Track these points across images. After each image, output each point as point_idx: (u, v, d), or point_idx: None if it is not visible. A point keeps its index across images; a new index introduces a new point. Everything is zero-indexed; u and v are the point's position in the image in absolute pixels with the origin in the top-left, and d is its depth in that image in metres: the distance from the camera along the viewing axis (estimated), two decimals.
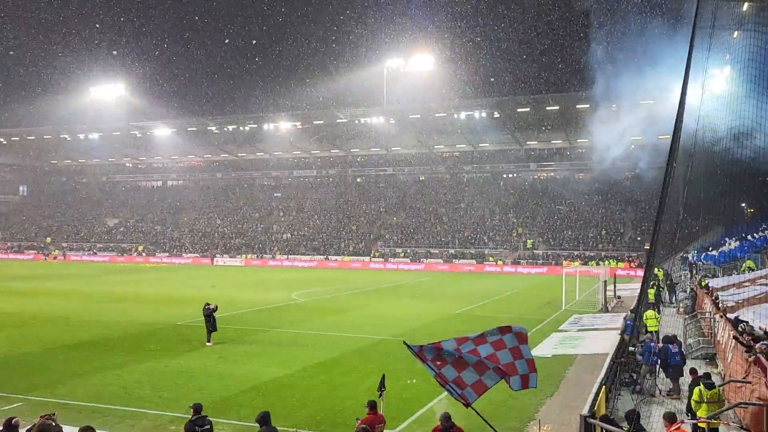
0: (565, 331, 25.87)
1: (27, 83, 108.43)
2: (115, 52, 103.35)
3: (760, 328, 16.12)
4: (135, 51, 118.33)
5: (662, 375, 16.19)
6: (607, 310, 31.74)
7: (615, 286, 37.19)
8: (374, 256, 74.19)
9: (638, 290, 21.25)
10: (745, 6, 26.10)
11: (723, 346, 17.63)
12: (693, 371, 13.82)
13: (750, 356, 12.89)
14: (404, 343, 8.74)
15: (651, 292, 28.08)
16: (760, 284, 23.53)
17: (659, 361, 15.84)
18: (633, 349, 16.81)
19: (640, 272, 48.70)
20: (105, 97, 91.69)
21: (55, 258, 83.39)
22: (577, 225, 74.23)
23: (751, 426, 11.29)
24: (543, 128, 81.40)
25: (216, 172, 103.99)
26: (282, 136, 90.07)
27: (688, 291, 33.93)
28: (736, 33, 24.37)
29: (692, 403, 12.04)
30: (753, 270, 30.82)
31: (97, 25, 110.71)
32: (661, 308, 30.07)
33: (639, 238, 68.08)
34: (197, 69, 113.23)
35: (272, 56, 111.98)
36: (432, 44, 78.75)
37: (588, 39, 55.89)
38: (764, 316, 17.11)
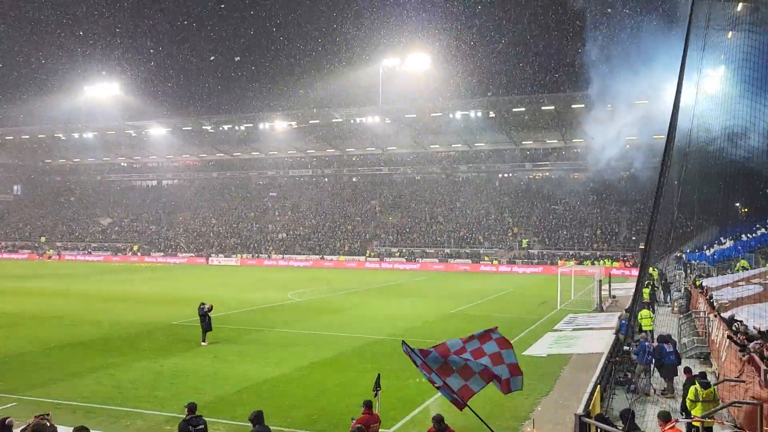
0: (560, 330, 25.92)
1: (21, 82, 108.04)
2: (110, 51, 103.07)
3: (754, 328, 16.17)
4: (130, 50, 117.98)
5: (657, 374, 16.24)
6: (602, 310, 31.80)
7: (610, 286, 37.26)
8: (370, 256, 74.19)
9: (633, 290, 21.29)
10: (740, 6, 26.19)
11: (717, 345, 17.69)
12: (687, 370, 13.87)
13: (744, 355, 12.93)
14: (402, 342, 8.75)
15: (646, 291, 28.18)
16: (755, 283, 23.61)
17: (654, 360, 15.90)
18: (628, 348, 16.87)
19: (635, 272, 48.90)
20: (100, 96, 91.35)
21: (49, 257, 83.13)
22: (572, 225, 74.38)
23: (744, 425, 11.34)
24: (538, 128, 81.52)
25: (211, 172, 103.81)
26: (277, 136, 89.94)
27: (682, 290, 34.05)
28: (730, 33, 24.44)
29: (687, 402, 12.07)
30: (747, 269, 30.90)
31: (92, 24, 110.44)
32: (655, 308, 30.17)
33: (634, 238, 68.26)
34: (193, 68, 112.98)
35: (268, 55, 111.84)
36: (428, 44, 78.85)
37: (583, 39, 55.96)
38: (758, 315, 17.16)
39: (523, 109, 74.21)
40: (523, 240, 72.90)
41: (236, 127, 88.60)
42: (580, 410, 9.68)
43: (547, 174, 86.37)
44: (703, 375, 12.61)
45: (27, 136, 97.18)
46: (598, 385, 12.10)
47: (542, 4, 79.72)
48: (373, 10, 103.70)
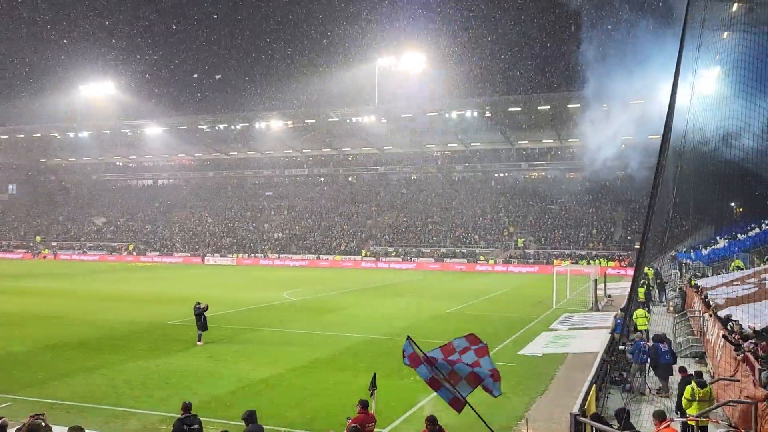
0: (556, 329, 25.95)
1: (16, 81, 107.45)
2: (106, 50, 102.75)
3: (749, 327, 16.22)
4: (126, 49, 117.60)
5: (652, 373, 16.27)
6: (597, 309, 31.87)
7: (605, 285, 37.34)
8: (366, 256, 74.19)
9: (628, 289, 21.35)
10: (735, 6, 26.28)
11: (712, 344, 17.74)
12: (682, 370, 13.90)
13: (739, 355, 12.97)
14: (408, 337, 8.77)
15: (641, 291, 28.25)
16: (749, 283, 23.70)
17: (649, 359, 15.93)
18: (623, 347, 16.89)
19: (630, 271, 48.98)
20: (95, 95, 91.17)
21: (44, 257, 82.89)
22: (567, 224, 74.51)
23: (739, 424, 11.36)
24: (534, 128, 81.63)
25: (207, 171, 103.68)
26: (273, 135, 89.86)
27: (677, 290, 34.13)
28: (725, 33, 24.49)
29: (684, 401, 12.10)
30: (741, 269, 31.01)
31: (88, 23, 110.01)
32: (651, 307, 30.26)
33: (629, 238, 68.42)
34: (188, 68, 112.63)
35: (264, 55, 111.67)
36: (424, 43, 78.82)
37: (579, 39, 56.06)
38: (753, 314, 17.23)
39: (518, 108, 74.33)
40: (519, 239, 73.00)
41: (232, 127, 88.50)
42: (575, 409, 9.69)
43: (543, 174, 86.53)
44: (699, 374, 12.65)
45: (22, 136, 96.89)
46: (594, 385, 12.12)
47: (538, 4, 79.84)
48: (369, 10, 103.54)
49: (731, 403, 11.67)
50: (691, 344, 20.51)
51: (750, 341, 13.60)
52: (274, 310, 31.74)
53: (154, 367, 18.33)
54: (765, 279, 22.36)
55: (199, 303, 22.70)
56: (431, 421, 9.31)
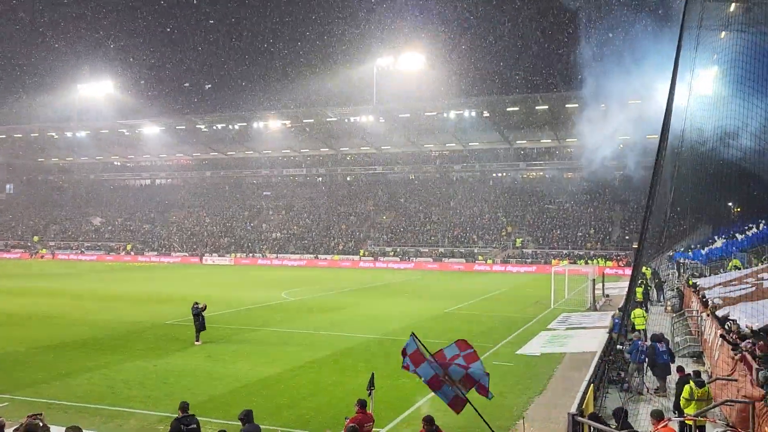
0: (554, 329, 25.95)
1: (14, 80, 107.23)
2: (106, 48, 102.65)
3: (746, 326, 16.24)
4: (123, 49, 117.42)
5: (650, 373, 16.29)
6: (595, 309, 31.88)
7: (603, 285, 37.36)
8: (364, 255, 74.18)
9: (626, 289, 21.37)
10: (732, 6, 26.30)
11: (710, 344, 17.75)
12: (680, 369, 13.91)
13: (736, 354, 12.98)
14: (412, 334, 8.78)
15: (639, 290, 28.27)
16: (747, 283, 23.72)
17: (647, 359, 15.94)
18: (621, 347, 16.91)
19: (628, 271, 49.02)
20: (93, 94, 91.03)
21: (42, 257, 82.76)
22: (565, 224, 74.57)
23: (736, 423, 11.38)
24: (532, 128, 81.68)
25: (205, 171, 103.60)
26: (271, 135, 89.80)
27: (675, 290, 34.18)
28: (723, 33, 24.54)
29: (682, 400, 12.11)
30: (739, 269, 31.05)
31: (85, 22, 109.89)
32: (648, 307, 30.29)
33: (627, 237, 68.49)
34: (186, 67, 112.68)
35: (262, 54, 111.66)
36: (422, 43, 78.82)
37: (577, 39, 56.14)
38: (750, 314, 17.25)
39: (517, 108, 74.34)
40: (517, 239, 73.04)
41: (230, 126, 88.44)
42: (573, 409, 9.69)
43: (541, 173, 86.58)
44: (697, 374, 12.66)
45: (20, 135, 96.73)
46: (592, 384, 12.13)
47: (536, 4, 79.85)
48: (367, 9, 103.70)
49: (729, 403, 11.68)
50: (688, 344, 20.53)
51: (747, 341, 13.60)
52: (272, 310, 31.72)
53: (152, 367, 18.32)
54: (762, 279, 22.40)
55: (197, 303, 22.69)
56: (428, 421, 9.29)
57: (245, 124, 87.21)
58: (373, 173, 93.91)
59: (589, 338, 22.57)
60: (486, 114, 77.02)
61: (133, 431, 12.74)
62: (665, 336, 17.52)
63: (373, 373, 11.25)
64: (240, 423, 9.88)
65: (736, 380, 12.36)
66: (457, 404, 8.50)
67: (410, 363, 8.74)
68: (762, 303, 17.39)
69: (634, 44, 48.15)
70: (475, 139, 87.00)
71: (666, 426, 9.22)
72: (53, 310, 30.53)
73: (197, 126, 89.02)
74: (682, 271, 41.56)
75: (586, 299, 34.14)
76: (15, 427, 9.16)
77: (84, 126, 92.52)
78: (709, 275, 34.06)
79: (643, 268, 35.34)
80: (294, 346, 21.91)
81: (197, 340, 22.01)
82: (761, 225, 33.74)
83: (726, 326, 16.37)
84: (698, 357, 19.45)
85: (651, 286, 35.47)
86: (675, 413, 12.59)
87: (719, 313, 18.86)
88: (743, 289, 22.73)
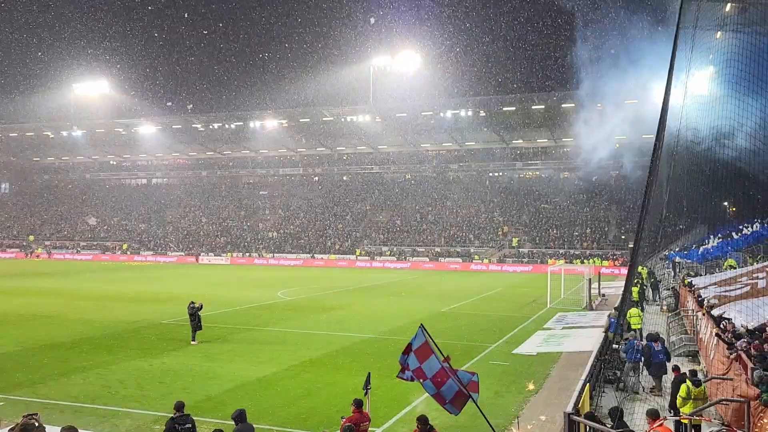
0: (550, 329, 26.01)
1: (9, 79, 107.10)
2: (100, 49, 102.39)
3: (741, 326, 16.29)
4: (119, 48, 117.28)
5: (645, 372, 16.32)
6: (591, 308, 31.95)
7: (599, 285, 37.46)
8: (360, 255, 74.18)
9: (622, 288, 21.42)
10: (728, 7, 26.34)
11: (705, 343, 17.80)
12: (676, 368, 13.95)
13: (731, 353, 13.02)
14: (420, 325, 8.77)
15: (635, 290, 28.33)
16: (742, 282, 23.80)
17: (643, 358, 15.98)
18: (617, 346, 16.95)
19: (624, 270, 49.13)
20: (89, 93, 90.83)
21: (37, 256, 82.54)
22: (562, 223, 74.69)
23: (732, 422, 11.41)
24: (528, 127, 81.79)
25: (201, 170, 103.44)
26: (268, 134, 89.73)
27: (671, 289, 34.27)
28: (719, 33, 24.59)
29: (678, 399, 12.14)
30: (734, 268, 31.16)
31: (81, 22, 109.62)
32: (644, 306, 30.35)
33: (623, 237, 68.64)
34: (183, 66, 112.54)
35: (258, 54, 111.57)
36: (418, 43, 78.88)
37: (573, 39, 56.20)
38: (746, 313, 17.31)
39: (513, 108, 74.43)
40: (513, 239, 73.13)
41: (226, 126, 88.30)
42: (569, 408, 9.71)
43: (537, 173, 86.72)
44: (693, 373, 12.69)
45: (15, 134, 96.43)
46: (587, 384, 12.16)
47: (532, 5, 79.92)
48: (364, 9, 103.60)
49: (724, 402, 11.72)
50: (684, 343, 20.58)
51: (743, 340, 13.64)
52: (268, 310, 31.69)
53: (148, 366, 18.29)
54: (758, 278, 22.47)
55: (193, 302, 22.65)
56: (422, 420, 9.28)
57: (241, 123, 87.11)
58: (370, 173, 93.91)
59: (585, 338, 22.64)
60: (482, 114, 77.08)
61: (128, 431, 12.72)
62: (661, 335, 17.58)
63: (369, 373, 11.26)
64: (233, 423, 9.86)
65: (731, 379, 12.41)
66: (459, 400, 8.48)
67: (416, 357, 8.61)
68: (757, 302, 17.45)
69: (630, 44, 48.28)
70: (472, 138, 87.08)
71: (662, 425, 9.24)
72: (49, 309, 30.45)
73: (193, 125, 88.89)
74: (677, 270, 41.68)
75: (582, 299, 34.20)
76: (10, 426, 9.14)
77: (80, 125, 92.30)
78: (705, 275, 34.17)
79: (639, 268, 35.41)
80: (290, 345, 21.89)
81: (193, 340, 21.99)
82: (756, 224, 33.86)
83: (721, 325, 16.41)
84: (694, 356, 19.50)
85: (647, 286, 35.54)
86: (671, 412, 12.62)
87: (715, 312, 18.91)
88: (738, 288, 22.81)
